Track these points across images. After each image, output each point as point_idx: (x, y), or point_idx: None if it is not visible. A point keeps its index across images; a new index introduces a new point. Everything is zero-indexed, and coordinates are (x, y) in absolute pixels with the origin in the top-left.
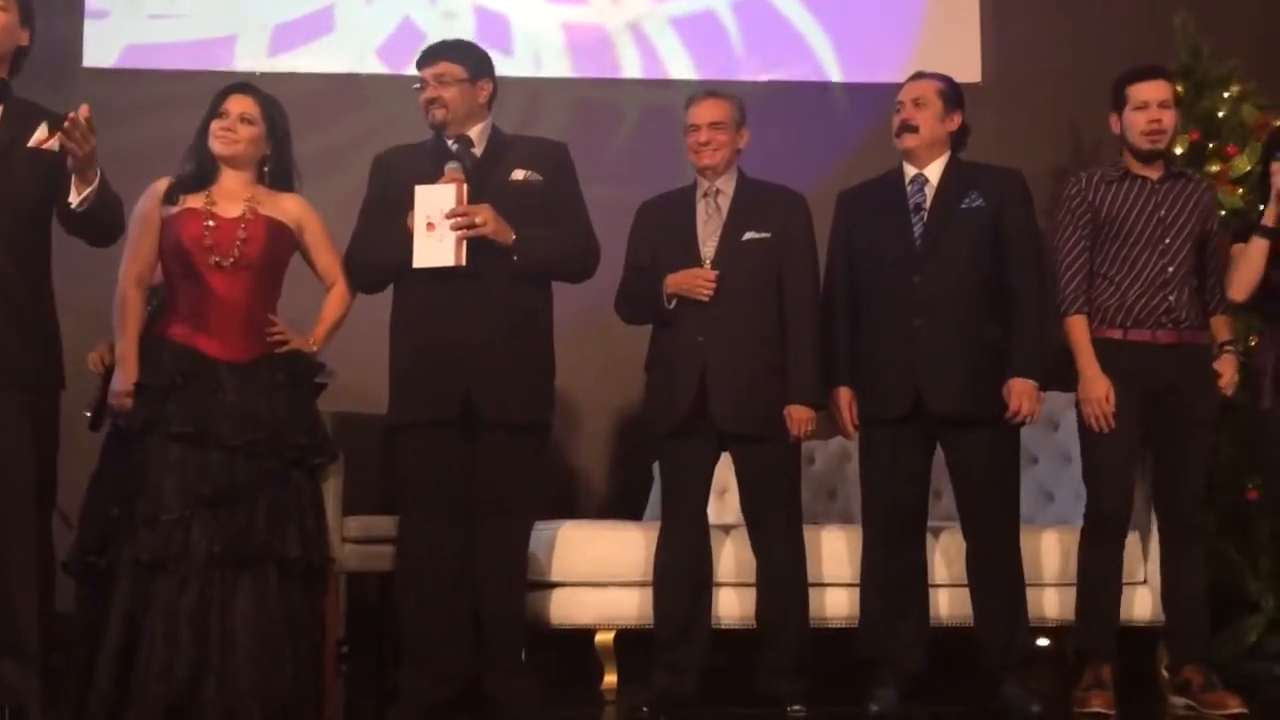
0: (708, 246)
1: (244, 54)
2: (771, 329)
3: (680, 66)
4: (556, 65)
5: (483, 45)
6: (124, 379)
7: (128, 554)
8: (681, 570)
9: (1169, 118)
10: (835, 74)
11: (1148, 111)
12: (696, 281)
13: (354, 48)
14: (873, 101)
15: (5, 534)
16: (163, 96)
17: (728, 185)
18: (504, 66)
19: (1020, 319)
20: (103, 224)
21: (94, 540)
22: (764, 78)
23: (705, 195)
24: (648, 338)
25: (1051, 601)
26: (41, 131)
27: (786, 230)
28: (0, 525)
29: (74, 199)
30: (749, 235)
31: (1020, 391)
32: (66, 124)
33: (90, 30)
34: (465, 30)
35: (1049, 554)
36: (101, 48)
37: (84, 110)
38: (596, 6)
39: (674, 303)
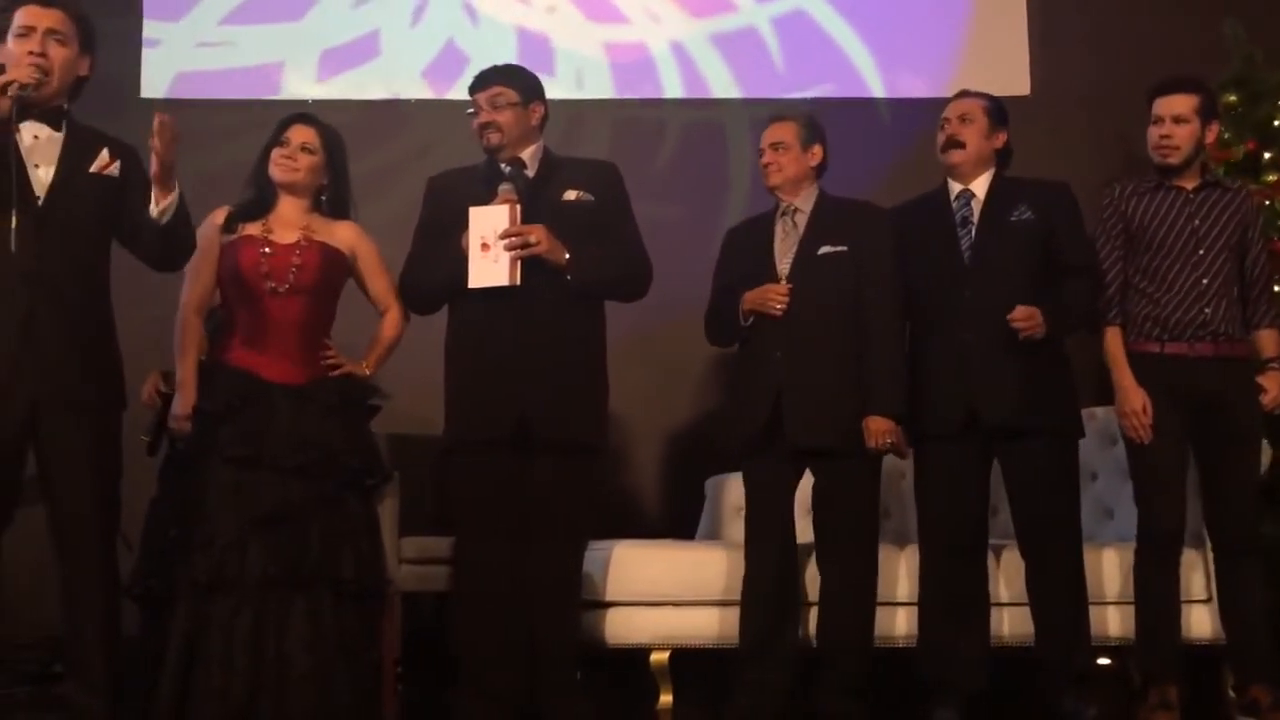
0: (784, 263)
1: (292, 80)
2: (849, 343)
3: (722, 84)
4: (599, 85)
5: (523, 65)
6: (183, 403)
7: (186, 577)
8: (763, 589)
9: (1182, 133)
10: (878, 89)
11: (1160, 126)
12: (769, 296)
13: (399, 71)
14: (915, 117)
15: (70, 557)
16: (220, 126)
17: (806, 203)
18: (546, 87)
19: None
20: (179, 239)
21: (154, 564)
22: (808, 94)
23: (783, 214)
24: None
25: (1114, 620)
26: (103, 157)
27: (865, 243)
28: (65, 548)
29: (154, 210)
30: (825, 250)
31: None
32: (156, 125)
33: (146, 60)
34: (508, 51)
35: (1110, 571)
36: (153, 76)
37: (168, 118)
38: (638, 25)
39: (751, 320)
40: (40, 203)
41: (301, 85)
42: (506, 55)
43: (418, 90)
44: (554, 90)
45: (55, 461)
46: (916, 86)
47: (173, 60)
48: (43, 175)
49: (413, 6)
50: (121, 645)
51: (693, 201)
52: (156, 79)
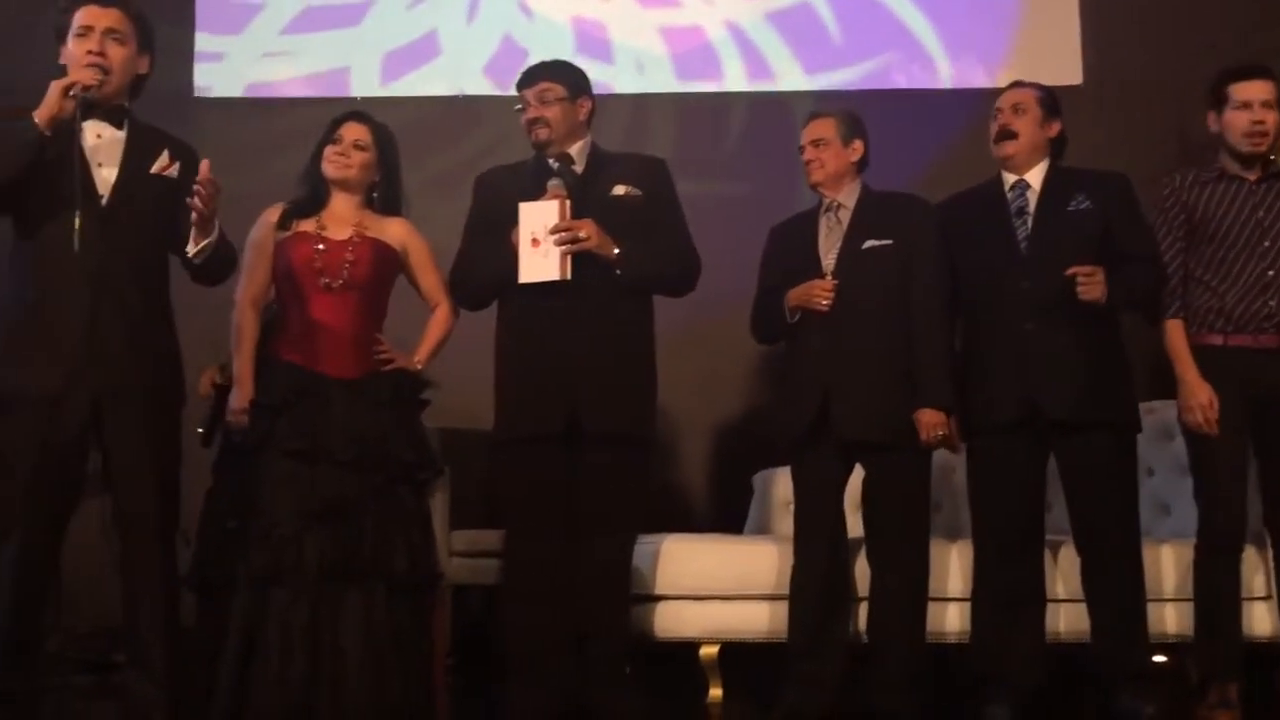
0: (828, 259)
1: (358, 85)
2: (897, 336)
3: (781, 61)
4: (658, 71)
5: (584, 55)
6: (240, 397)
7: (244, 568)
8: (813, 583)
9: (1273, 119)
10: (940, 58)
11: (1250, 112)
12: (814, 292)
13: (461, 69)
14: (966, 106)
15: (132, 549)
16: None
17: (849, 198)
18: (606, 75)
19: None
20: (214, 272)
21: (211, 554)
22: (869, 65)
23: (827, 210)
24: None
25: (1171, 617)
26: (163, 159)
27: (910, 235)
28: (127, 540)
29: (191, 249)
30: (869, 243)
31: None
32: (196, 185)
33: (210, 73)
34: (564, 41)
35: (1167, 568)
36: (225, 89)
37: (205, 167)
38: (690, 8)
39: (797, 316)
40: (104, 202)
41: (368, 88)
42: (563, 46)
43: (481, 87)
44: (614, 78)
45: (118, 456)
46: (967, 76)
47: (241, 72)
48: (106, 175)
49: (466, 4)
50: (180, 635)
51: (758, 184)
52: (228, 91)
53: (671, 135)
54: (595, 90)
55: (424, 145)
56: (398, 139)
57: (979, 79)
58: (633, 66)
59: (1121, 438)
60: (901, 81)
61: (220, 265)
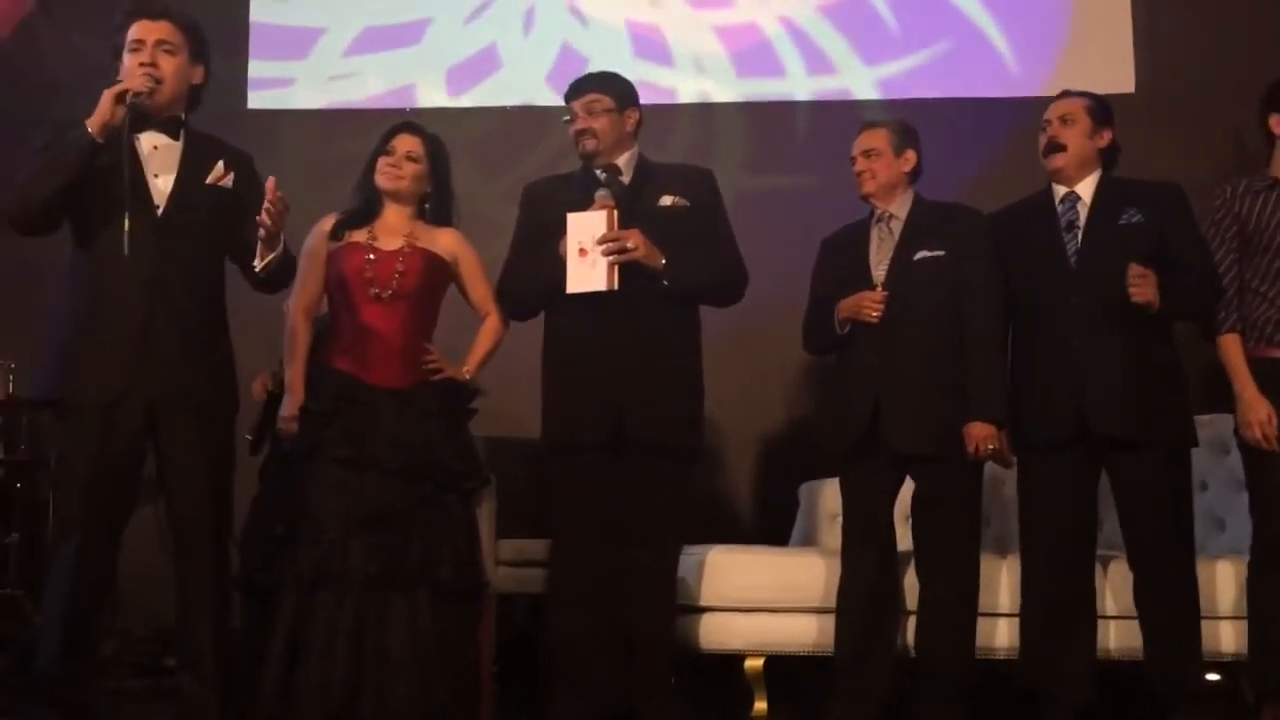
0: (879, 270)
1: (424, 101)
2: (949, 348)
3: (839, 54)
4: (718, 69)
5: (643, 59)
6: (291, 404)
7: (291, 572)
8: (860, 596)
9: None
10: (1000, 44)
11: None
12: (864, 303)
13: (524, 80)
14: (1017, 114)
15: (185, 554)
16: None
17: (901, 209)
18: (667, 78)
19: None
20: (276, 284)
21: (258, 559)
22: (929, 51)
23: (878, 221)
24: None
25: (1226, 635)
26: (218, 169)
27: (962, 246)
28: (180, 546)
29: (258, 264)
30: (921, 255)
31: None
32: (266, 204)
33: (278, 99)
34: (622, 46)
35: (1223, 585)
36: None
37: (272, 185)
38: (743, 7)
39: (847, 328)
40: (159, 211)
41: (437, 103)
42: (621, 52)
43: (545, 97)
44: (675, 80)
45: (173, 462)
46: (1014, 85)
47: (311, 96)
48: (161, 184)
49: (521, 16)
50: (231, 640)
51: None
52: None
53: (737, 142)
54: (657, 96)
55: (500, 156)
56: (472, 151)
57: (1029, 87)
58: (692, 67)
59: (1175, 453)
60: (959, 74)
61: (283, 275)
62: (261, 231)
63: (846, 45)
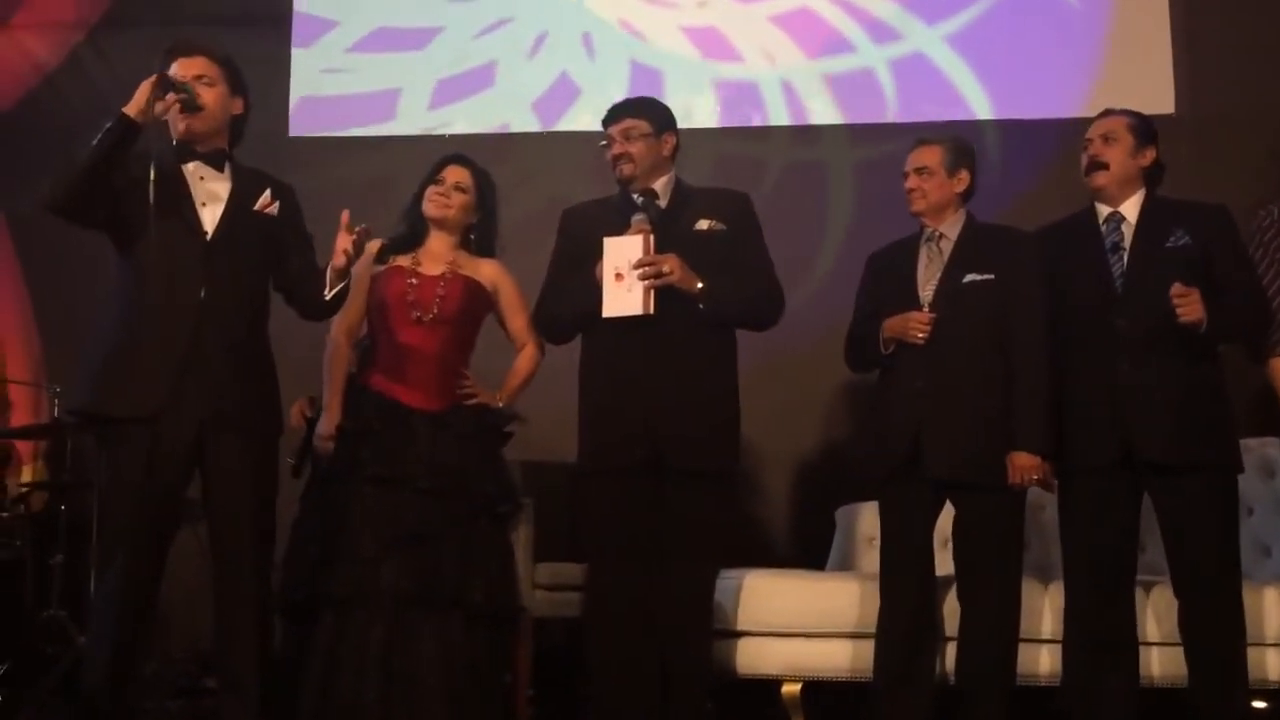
0: (927, 291)
1: (406, 108)
2: (994, 373)
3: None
4: (707, 120)
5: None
6: (328, 423)
7: (325, 591)
8: (900, 622)
9: None
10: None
11: None
12: (910, 325)
13: (510, 103)
14: (1057, 135)
15: (227, 575)
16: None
17: (952, 229)
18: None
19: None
20: (329, 312)
21: (296, 580)
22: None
23: (928, 240)
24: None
25: (1272, 663)
26: (265, 197)
27: (1011, 270)
28: (222, 567)
29: (328, 293)
30: (970, 278)
31: None
32: (354, 236)
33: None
34: (619, 85)
35: (1270, 611)
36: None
37: (346, 218)
38: (751, 64)
39: (892, 348)
40: (208, 236)
41: (415, 113)
42: (617, 89)
43: (526, 122)
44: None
45: (218, 483)
46: (1053, 105)
47: (298, 84)
48: (209, 212)
49: (533, 38)
50: (271, 662)
51: (790, 232)
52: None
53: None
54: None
55: (548, 181)
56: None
57: (1069, 108)
58: (681, 115)
59: (1222, 479)
60: (997, 95)
61: (337, 305)
62: (341, 261)
63: (840, 116)
